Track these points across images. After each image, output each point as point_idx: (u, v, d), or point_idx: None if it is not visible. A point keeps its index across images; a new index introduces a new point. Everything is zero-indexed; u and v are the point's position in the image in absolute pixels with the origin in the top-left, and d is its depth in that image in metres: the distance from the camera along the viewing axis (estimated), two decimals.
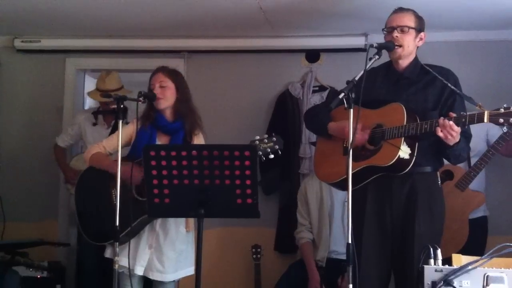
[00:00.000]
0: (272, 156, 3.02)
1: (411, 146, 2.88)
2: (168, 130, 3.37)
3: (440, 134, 2.76)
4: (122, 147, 3.26)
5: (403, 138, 2.86)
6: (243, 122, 4.77)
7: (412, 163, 2.88)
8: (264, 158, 3.00)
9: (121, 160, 3.10)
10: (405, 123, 2.87)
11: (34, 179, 4.92)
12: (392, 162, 2.86)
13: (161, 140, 3.37)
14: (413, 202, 2.97)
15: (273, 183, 4.66)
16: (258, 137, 3.06)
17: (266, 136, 3.05)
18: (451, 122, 2.73)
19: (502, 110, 2.62)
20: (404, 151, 2.86)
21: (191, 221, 3.34)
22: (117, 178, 3.05)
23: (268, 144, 3.01)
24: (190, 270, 3.37)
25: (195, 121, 3.41)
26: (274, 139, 3.03)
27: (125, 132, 3.37)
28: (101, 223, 3.32)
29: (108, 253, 3.36)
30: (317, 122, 3.27)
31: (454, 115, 2.76)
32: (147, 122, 3.36)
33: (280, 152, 3.03)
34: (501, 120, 2.62)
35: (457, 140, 2.80)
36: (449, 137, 2.75)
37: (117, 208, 2.99)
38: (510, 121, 2.60)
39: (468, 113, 2.75)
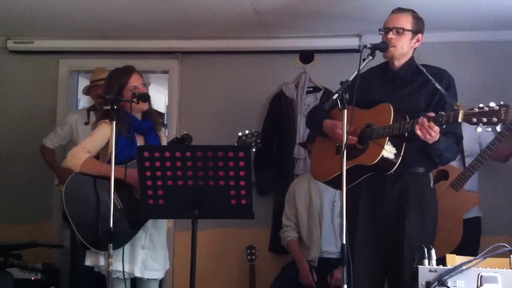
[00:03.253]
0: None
1: (397, 146, 2.88)
2: (144, 130, 3.35)
3: (418, 132, 2.76)
4: (99, 148, 3.29)
5: (387, 138, 2.87)
6: (237, 123, 4.76)
7: (398, 163, 2.88)
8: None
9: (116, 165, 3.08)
10: (391, 122, 2.88)
11: (27, 181, 4.89)
12: (375, 162, 2.86)
13: (138, 141, 3.32)
14: (404, 203, 2.97)
15: (268, 184, 4.66)
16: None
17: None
18: (425, 123, 2.73)
19: (476, 110, 2.60)
20: (388, 151, 2.87)
21: None
22: (111, 181, 3.03)
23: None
24: (168, 263, 3.49)
25: (159, 120, 3.46)
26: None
27: (103, 132, 3.27)
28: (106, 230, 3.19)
29: (88, 261, 3.28)
30: (314, 121, 3.30)
31: (432, 114, 2.76)
32: (121, 124, 3.23)
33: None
34: (474, 120, 2.59)
35: (436, 139, 2.79)
36: (428, 136, 2.75)
37: (111, 210, 2.98)
38: (483, 120, 2.57)
39: (445, 113, 2.74)
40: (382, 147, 2.85)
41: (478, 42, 4.56)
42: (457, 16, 4.19)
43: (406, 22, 3.00)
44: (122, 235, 3.13)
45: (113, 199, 3.22)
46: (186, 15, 4.29)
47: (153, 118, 3.39)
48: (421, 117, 2.76)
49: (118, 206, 3.23)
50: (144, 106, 3.31)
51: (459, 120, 2.65)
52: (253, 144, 3.35)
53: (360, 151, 2.97)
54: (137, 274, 3.25)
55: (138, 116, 3.36)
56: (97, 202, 3.25)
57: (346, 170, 2.66)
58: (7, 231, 4.31)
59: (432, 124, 2.72)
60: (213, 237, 4.69)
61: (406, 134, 2.85)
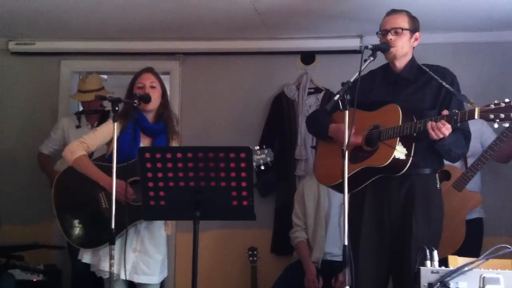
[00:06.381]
0: (263, 168, 3.15)
1: (407, 146, 2.88)
2: (151, 132, 3.33)
3: (431, 131, 2.76)
4: (101, 144, 3.28)
5: (398, 138, 2.87)
6: (239, 124, 4.77)
7: (409, 163, 2.88)
8: (256, 169, 3.09)
9: (107, 169, 3.08)
10: (400, 123, 2.87)
11: (29, 182, 4.90)
12: (387, 163, 2.85)
13: (144, 142, 3.32)
14: (411, 204, 2.97)
15: (269, 185, 4.66)
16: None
17: (257, 148, 3.16)
18: (438, 124, 2.72)
19: (492, 106, 2.61)
20: (400, 151, 2.86)
21: (170, 224, 3.38)
22: (112, 182, 2.98)
23: (260, 156, 3.15)
24: (166, 272, 3.42)
25: (174, 126, 3.41)
26: (266, 151, 3.16)
27: (106, 130, 3.27)
28: (90, 228, 3.26)
29: (86, 259, 3.27)
30: (317, 125, 3.28)
31: (446, 113, 2.76)
32: (127, 122, 3.28)
33: (270, 165, 3.16)
34: (492, 116, 2.60)
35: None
36: (441, 136, 2.75)
37: (113, 211, 2.96)
38: (500, 116, 2.58)
39: (459, 111, 2.75)
40: (394, 148, 2.85)
41: (478, 43, 4.56)
42: (458, 17, 4.19)
43: (403, 21, 3.02)
44: (107, 234, 3.02)
45: (100, 198, 3.24)
46: (187, 16, 4.29)
47: (165, 123, 3.34)
48: (429, 122, 2.75)
49: (103, 206, 3.24)
50: (146, 107, 3.28)
51: (476, 117, 2.65)
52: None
53: (369, 153, 2.96)
54: (123, 277, 3.17)
55: (150, 116, 3.34)
56: (83, 201, 3.26)
57: (355, 173, 2.65)
58: (8, 232, 4.30)
59: (443, 121, 2.71)
60: (214, 238, 4.69)
61: (415, 134, 2.85)
